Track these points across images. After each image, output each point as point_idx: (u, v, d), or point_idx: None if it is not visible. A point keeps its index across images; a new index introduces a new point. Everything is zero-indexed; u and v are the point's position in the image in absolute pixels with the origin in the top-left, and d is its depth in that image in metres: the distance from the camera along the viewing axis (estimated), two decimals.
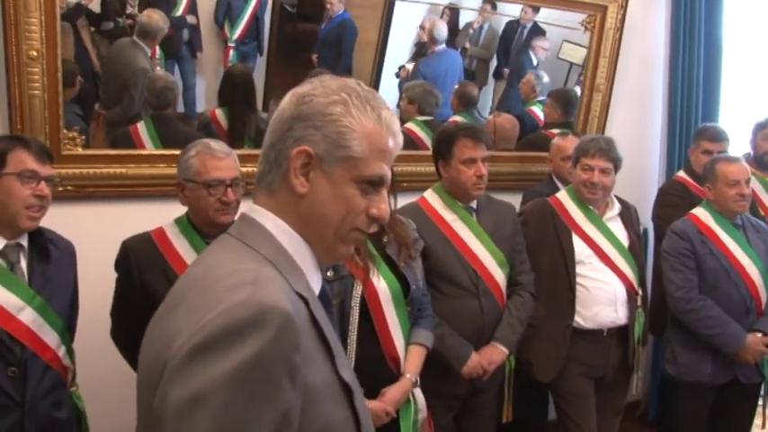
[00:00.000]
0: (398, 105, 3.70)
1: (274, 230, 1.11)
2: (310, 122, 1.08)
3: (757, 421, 3.60)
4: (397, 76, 3.85)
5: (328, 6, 3.51)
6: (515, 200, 3.48)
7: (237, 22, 3.39)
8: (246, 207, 1.18)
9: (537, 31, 4.07)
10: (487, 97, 4.18)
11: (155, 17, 3.08)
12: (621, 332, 3.06)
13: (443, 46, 3.88)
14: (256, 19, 3.44)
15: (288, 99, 1.13)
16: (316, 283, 1.16)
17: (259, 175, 1.15)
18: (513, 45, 4.15)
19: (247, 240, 1.11)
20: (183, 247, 2.30)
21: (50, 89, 2.63)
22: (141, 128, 3.05)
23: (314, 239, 1.13)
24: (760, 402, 3.46)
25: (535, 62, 4.13)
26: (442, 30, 3.85)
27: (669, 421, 3.42)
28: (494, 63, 4.15)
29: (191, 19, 3.33)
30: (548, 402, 3.32)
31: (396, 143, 1.15)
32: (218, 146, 2.28)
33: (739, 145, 4.11)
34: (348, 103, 1.09)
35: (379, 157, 1.12)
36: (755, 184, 3.77)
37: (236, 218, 1.26)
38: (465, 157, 2.71)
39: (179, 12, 3.26)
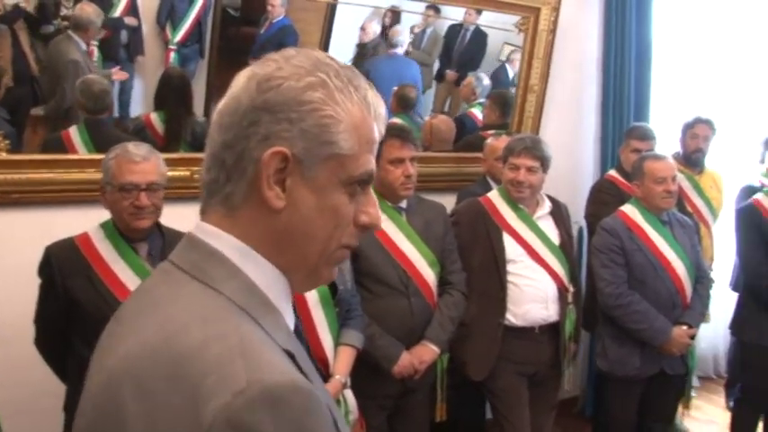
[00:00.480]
0: None
1: (238, 260, 0.85)
2: (282, 114, 0.83)
3: (684, 409, 3.73)
4: None
5: (269, 9, 3.50)
6: (452, 200, 3.52)
7: (180, 25, 3.36)
8: (195, 228, 0.89)
9: (480, 35, 4.13)
10: (429, 100, 4.22)
11: (87, 9, 3.03)
12: (553, 329, 3.11)
13: (399, 51, 3.91)
14: (199, 22, 3.43)
15: (243, 83, 0.86)
16: (290, 319, 0.91)
17: (209, 184, 0.88)
18: (456, 48, 4.20)
19: (204, 277, 0.83)
20: (107, 252, 2.28)
21: None
22: (74, 133, 3.00)
23: (293, 266, 0.88)
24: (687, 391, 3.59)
25: (511, 75, 4.19)
26: (403, 36, 3.90)
27: (603, 415, 3.51)
28: (436, 66, 4.19)
29: (129, 20, 3.28)
30: (484, 402, 3.37)
31: (381, 131, 0.91)
32: (136, 149, 2.26)
33: (669, 144, 4.24)
34: (328, 86, 0.85)
35: (368, 150, 0.89)
36: (683, 182, 3.90)
37: (166, 223, 1.03)
38: (392, 157, 2.73)
39: (117, 13, 3.21)
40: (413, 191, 2.82)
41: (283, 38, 3.56)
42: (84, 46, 3.07)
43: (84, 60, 3.08)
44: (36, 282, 2.31)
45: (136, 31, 3.33)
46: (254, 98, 0.84)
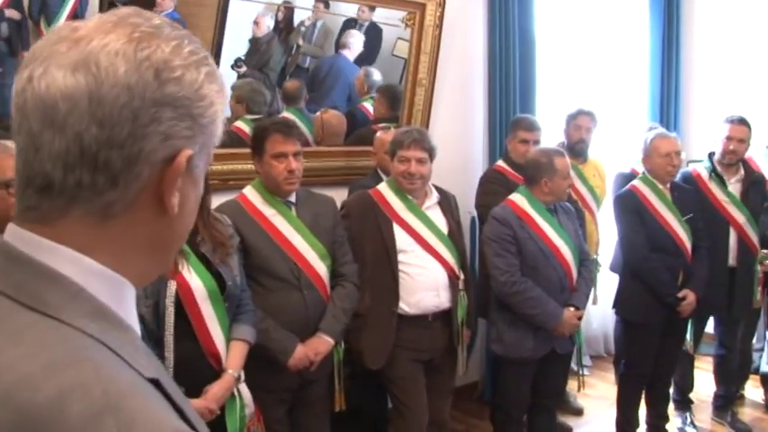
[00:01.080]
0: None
1: (79, 277, 0.70)
2: (184, 110, 0.72)
3: (573, 384, 3.91)
4: (233, 68, 3.82)
5: (158, 1, 3.43)
6: (343, 194, 3.55)
7: (56, 19, 3.23)
8: (13, 238, 0.72)
9: (375, 30, 4.18)
10: None
11: None
12: (446, 316, 3.19)
13: (347, 53, 4.05)
14: (75, 16, 3.31)
15: (132, 69, 0.69)
16: (136, 324, 0.78)
17: (70, 190, 0.70)
18: None
19: (39, 305, 0.67)
20: None
21: None
22: None
23: (155, 268, 0.79)
24: (575, 369, 3.77)
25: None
26: (354, 38, 4.05)
27: (499, 397, 3.63)
28: None
29: (10, 13, 3.14)
30: (385, 391, 3.43)
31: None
32: (12, 144, 2.18)
33: (554, 134, 4.42)
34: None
35: None
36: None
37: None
38: (275, 152, 2.73)
39: None
40: (297, 185, 2.83)
41: None
42: None
43: None
44: None
45: (20, 25, 3.19)
46: (154, 89, 0.70)
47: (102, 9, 3.31)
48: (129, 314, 0.75)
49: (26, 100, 0.70)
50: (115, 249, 0.72)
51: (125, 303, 0.74)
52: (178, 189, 0.73)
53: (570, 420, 4.29)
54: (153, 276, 0.81)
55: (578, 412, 4.44)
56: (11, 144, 2.18)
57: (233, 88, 3.71)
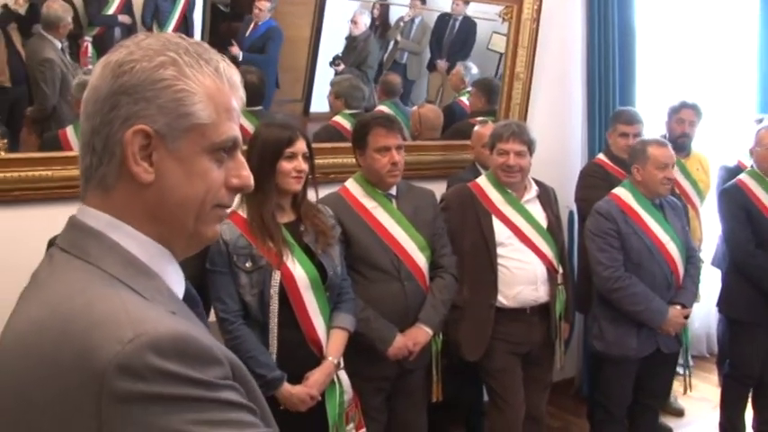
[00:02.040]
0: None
1: (116, 236, 0.91)
2: (139, 95, 0.89)
3: (679, 387, 3.80)
4: (333, 64, 3.92)
5: (256, 12, 3.55)
6: (441, 187, 3.58)
7: (166, 24, 3.40)
8: (77, 212, 0.96)
9: (469, 24, 4.19)
10: (422, 89, 4.29)
11: (53, 6, 3.03)
12: (543, 310, 3.18)
13: None
14: (185, 18, 3.47)
15: (99, 72, 0.92)
16: (178, 287, 0.98)
17: (85, 171, 0.94)
18: (446, 38, 4.27)
19: (83, 255, 0.90)
20: None
21: None
22: (70, 132, 3.05)
23: (172, 235, 0.95)
24: (682, 371, 3.65)
25: None
26: None
27: (598, 394, 3.57)
28: (426, 55, 4.25)
29: (123, 18, 3.32)
30: (482, 383, 3.44)
31: (239, 98, 0.98)
32: None
33: (655, 127, 4.31)
34: (179, 62, 0.91)
35: (228, 118, 0.95)
36: None
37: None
38: (378, 146, 2.79)
39: (111, 10, 3.25)
40: (400, 178, 2.88)
41: (268, 39, 3.62)
42: (58, 44, 3.08)
43: (60, 58, 3.09)
44: None
45: (131, 30, 3.37)
46: (110, 84, 0.90)
47: (205, 12, 3.46)
48: (160, 265, 0.94)
49: (84, 100, 0.95)
50: (124, 216, 0.92)
51: (155, 257, 0.94)
52: (145, 160, 0.90)
53: (670, 421, 4.18)
54: (180, 244, 0.97)
55: (679, 413, 4.32)
56: None
57: (331, 84, 3.80)
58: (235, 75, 0.97)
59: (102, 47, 3.27)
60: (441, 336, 3.03)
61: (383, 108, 3.86)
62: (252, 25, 3.58)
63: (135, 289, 0.87)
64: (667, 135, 4.17)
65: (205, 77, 0.92)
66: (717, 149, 4.75)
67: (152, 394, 0.76)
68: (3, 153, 2.80)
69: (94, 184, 0.93)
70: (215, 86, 0.93)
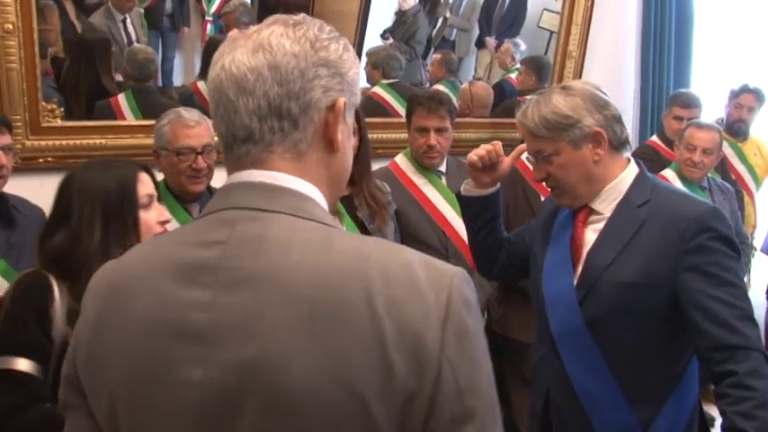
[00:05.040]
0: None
1: (321, 201, 0.96)
2: (335, 69, 0.95)
3: None
4: (383, 37, 3.90)
5: None
6: None
7: None
8: (257, 176, 0.94)
9: (518, 0, 4.13)
10: (470, 66, 4.25)
11: None
12: None
13: None
14: None
15: (292, 43, 0.94)
16: None
17: (266, 134, 0.93)
18: (496, 14, 4.21)
19: (315, 217, 0.93)
20: None
21: (27, 62, 2.66)
22: (122, 100, 3.10)
23: (333, 201, 1.02)
24: None
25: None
26: None
27: None
28: (475, 32, 4.21)
29: None
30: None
31: None
32: (188, 114, 2.35)
33: (714, 110, 4.20)
34: (350, 48, 0.99)
35: None
36: (727, 150, 3.86)
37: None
38: (417, 125, 2.80)
39: None
40: (438, 160, 2.87)
41: None
42: (120, 16, 3.13)
43: (118, 32, 3.14)
44: None
45: (182, 2, 3.40)
46: (312, 54, 0.94)
47: None
48: None
49: (222, 80, 0.94)
50: (315, 181, 0.96)
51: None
52: (340, 131, 0.96)
53: (713, 410, 4.10)
54: (332, 209, 1.01)
55: None
56: (185, 113, 2.36)
57: (368, 55, 3.77)
58: None
59: (153, 18, 3.30)
60: (486, 314, 3.02)
61: (440, 87, 3.83)
62: None
63: None
64: (725, 119, 4.08)
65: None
66: None
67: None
68: (59, 121, 2.85)
69: (285, 147, 0.94)
70: None
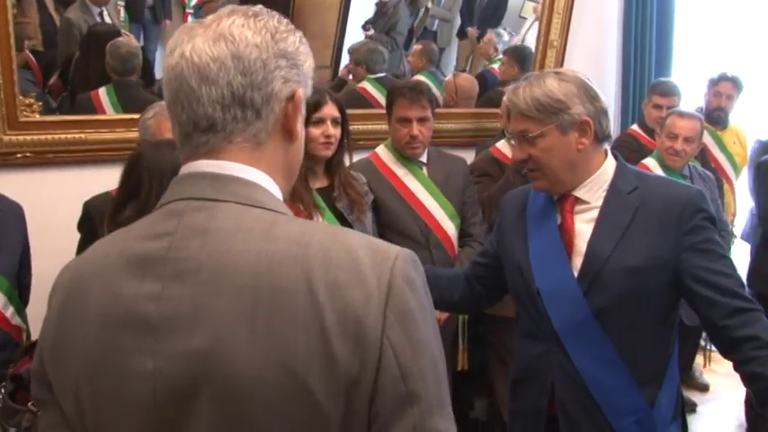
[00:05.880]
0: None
1: (275, 191, 0.98)
2: (293, 61, 0.97)
3: (699, 360, 3.78)
4: (364, 28, 3.90)
5: None
6: (473, 156, 3.57)
7: None
8: (214, 166, 0.95)
9: None
10: (451, 56, 4.25)
11: None
12: None
13: None
14: None
15: (254, 34, 0.95)
16: None
17: (228, 123, 0.94)
18: (477, 4, 4.22)
19: (259, 204, 0.94)
20: None
21: (3, 56, 2.64)
22: (103, 94, 3.08)
23: (286, 192, 1.02)
24: (703, 344, 3.64)
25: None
26: None
27: None
28: (457, 23, 4.21)
29: None
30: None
31: None
32: None
33: (693, 99, 4.23)
34: (303, 39, 1.00)
35: None
36: (707, 138, 3.89)
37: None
38: (399, 116, 2.79)
39: None
40: (420, 150, 2.86)
41: None
42: (97, 10, 3.10)
43: (86, 22, 3.08)
44: (72, 237, 2.41)
45: None
46: (272, 45, 0.95)
47: None
48: None
49: (182, 68, 0.94)
50: (267, 170, 0.97)
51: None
52: (298, 121, 0.98)
53: (695, 396, 4.16)
54: (286, 196, 1.03)
55: (704, 388, 4.29)
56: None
57: (349, 52, 3.77)
58: None
59: (132, 11, 3.28)
60: None
61: (421, 77, 3.83)
62: None
63: None
64: (704, 108, 4.10)
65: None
66: (757, 123, 4.65)
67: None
68: (38, 116, 2.83)
69: (245, 137, 0.95)
70: None
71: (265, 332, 0.85)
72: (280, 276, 0.86)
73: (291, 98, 0.96)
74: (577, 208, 1.83)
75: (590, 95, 1.79)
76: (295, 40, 0.98)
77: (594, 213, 1.81)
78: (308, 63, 1.00)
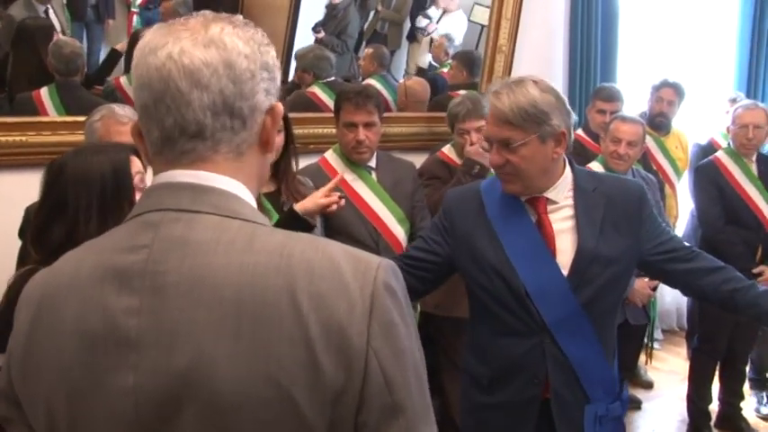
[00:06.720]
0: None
1: (246, 197, 0.96)
2: (272, 74, 0.97)
3: (648, 359, 3.88)
4: (315, 31, 3.88)
5: None
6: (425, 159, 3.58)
7: None
8: (191, 176, 0.93)
9: None
10: (401, 59, 4.27)
11: None
12: None
13: None
14: None
15: (243, 44, 0.94)
16: None
17: (217, 132, 0.92)
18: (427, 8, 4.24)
19: (239, 215, 0.92)
20: None
21: None
22: (44, 94, 3.00)
23: (256, 196, 1.02)
24: (646, 341, 3.73)
25: None
26: None
27: None
28: (407, 26, 4.23)
29: None
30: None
31: None
32: (122, 111, 2.30)
33: (636, 105, 4.33)
34: (274, 53, 1.00)
35: None
36: (650, 144, 3.99)
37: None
38: (345, 121, 2.79)
39: None
40: (368, 155, 2.87)
41: None
42: (42, 7, 3.03)
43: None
44: (13, 243, 2.34)
45: None
46: (259, 57, 0.95)
47: None
48: None
49: (171, 70, 0.90)
50: (244, 180, 0.96)
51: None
52: (276, 134, 0.98)
53: (640, 394, 4.27)
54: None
55: (648, 386, 4.41)
56: (119, 109, 2.31)
57: (296, 59, 3.75)
58: None
59: (76, 8, 3.21)
60: (419, 307, 3.05)
61: (372, 82, 3.83)
62: None
63: None
64: (647, 113, 4.21)
65: None
66: (697, 128, 4.79)
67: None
68: None
69: (230, 147, 0.94)
70: None
71: (249, 345, 0.85)
72: (263, 288, 0.86)
73: (271, 110, 0.96)
74: (549, 208, 1.94)
75: (565, 109, 1.89)
76: (273, 54, 0.98)
77: (566, 212, 1.94)
78: (279, 77, 1.00)
